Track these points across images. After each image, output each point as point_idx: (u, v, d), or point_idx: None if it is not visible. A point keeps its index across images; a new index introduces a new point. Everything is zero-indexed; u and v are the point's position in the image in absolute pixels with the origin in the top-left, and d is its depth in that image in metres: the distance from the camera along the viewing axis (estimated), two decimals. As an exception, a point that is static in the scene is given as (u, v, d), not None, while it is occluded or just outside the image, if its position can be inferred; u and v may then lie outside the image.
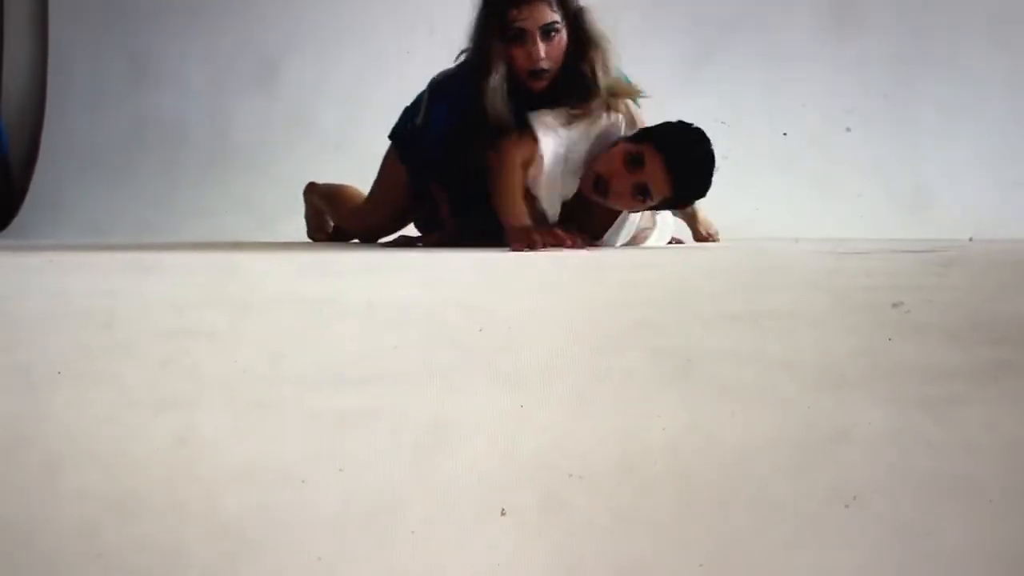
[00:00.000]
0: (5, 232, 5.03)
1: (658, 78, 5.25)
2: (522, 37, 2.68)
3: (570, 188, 2.81)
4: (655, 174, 2.67)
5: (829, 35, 5.35)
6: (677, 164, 2.72)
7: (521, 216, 2.66)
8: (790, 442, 0.52)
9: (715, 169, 2.89)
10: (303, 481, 0.46)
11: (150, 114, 5.34)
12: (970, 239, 3.71)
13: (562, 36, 2.75)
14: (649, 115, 4.87)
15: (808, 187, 5.12)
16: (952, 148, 5.19)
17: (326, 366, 0.74)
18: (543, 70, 2.67)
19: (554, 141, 2.76)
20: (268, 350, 0.83)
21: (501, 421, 0.57)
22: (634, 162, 2.66)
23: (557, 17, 2.74)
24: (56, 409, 0.59)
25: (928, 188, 5.08)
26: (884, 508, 0.43)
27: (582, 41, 2.83)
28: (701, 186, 2.88)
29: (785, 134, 5.05)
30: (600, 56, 2.90)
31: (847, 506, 0.42)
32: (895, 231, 4.49)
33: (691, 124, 2.96)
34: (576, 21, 2.83)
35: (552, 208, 2.82)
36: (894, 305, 1.11)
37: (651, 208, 2.81)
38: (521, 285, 1.36)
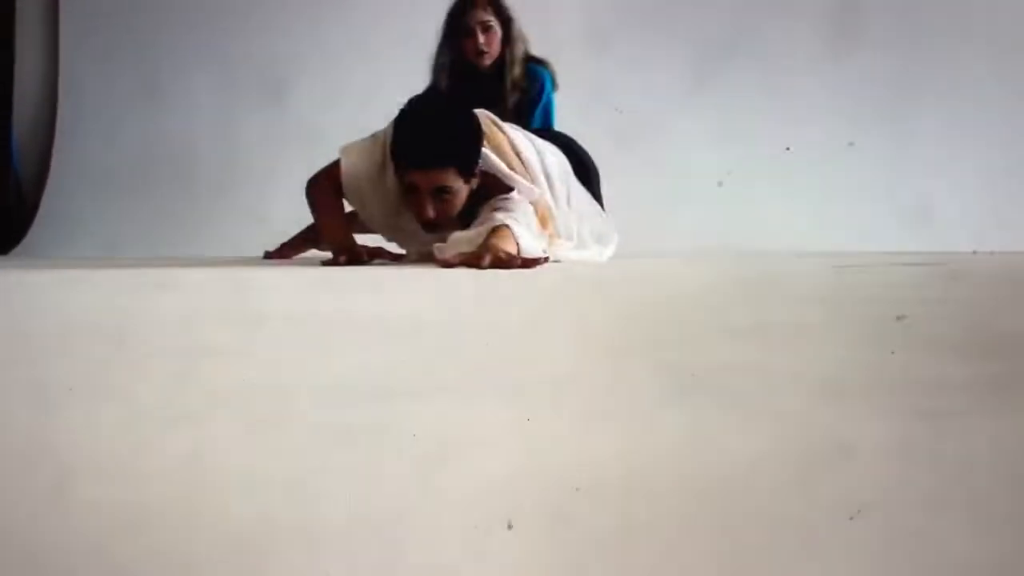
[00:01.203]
0: (17, 249, 5.04)
1: (661, 94, 5.27)
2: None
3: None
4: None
5: (831, 51, 5.36)
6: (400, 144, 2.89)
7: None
8: (794, 455, 0.52)
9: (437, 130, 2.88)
10: (312, 494, 0.47)
11: (160, 131, 5.35)
12: (973, 252, 3.71)
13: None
14: (654, 131, 4.89)
15: (811, 201, 5.13)
16: (954, 162, 5.20)
17: (335, 381, 0.74)
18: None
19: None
20: (278, 365, 0.83)
21: (508, 435, 0.57)
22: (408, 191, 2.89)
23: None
24: (68, 424, 0.60)
25: (930, 202, 5.09)
26: (888, 521, 0.43)
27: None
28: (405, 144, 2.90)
29: (788, 149, 5.05)
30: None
31: (851, 519, 0.42)
32: (898, 244, 4.49)
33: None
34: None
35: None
36: (897, 318, 1.12)
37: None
38: (528, 300, 1.37)
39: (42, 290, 1.88)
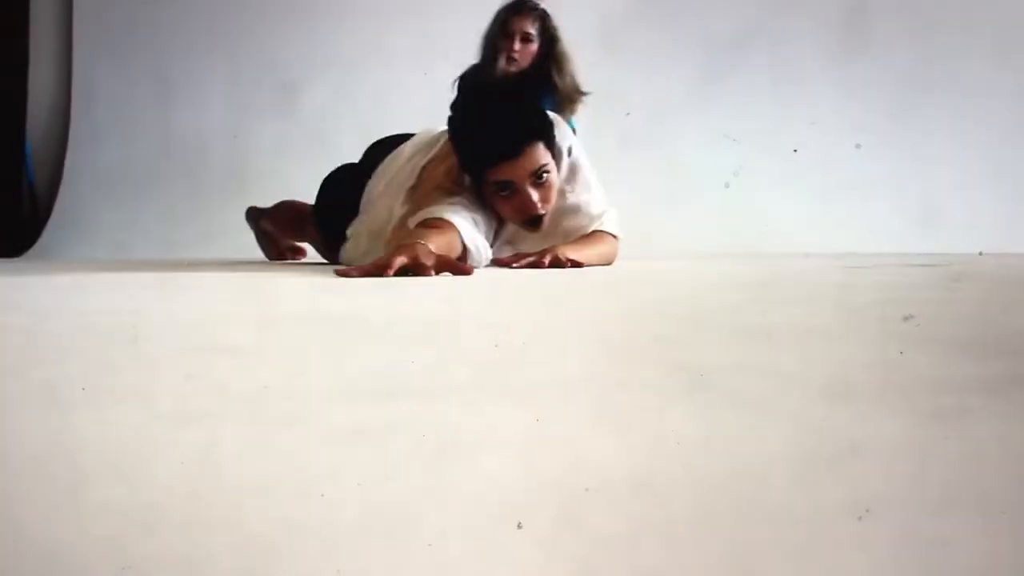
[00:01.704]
0: (31, 251, 5.06)
1: (669, 96, 5.28)
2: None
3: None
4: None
5: (839, 53, 5.36)
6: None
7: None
8: (803, 454, 0.53)
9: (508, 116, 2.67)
10: (323, 495, 0.47)
11: (173, 134, 5.37)
12: (980, 253, 3.70)
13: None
14: (660, 134, 4.90)
15: (818, 202, 5.12)
16: (961, 163, 5.20)
17: (346, 381, 0.75)
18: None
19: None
20: (290, 366, 0.83)
21: (517, 435, 0.58)
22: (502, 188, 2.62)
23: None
24: (81, 425, 0.60)
25: (937, 202, 5.08)
26: (897, 520, 0.43)
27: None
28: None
29: (795, 150, 5.05)
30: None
31: (860, 518, 0.42)
32: (905, 245, 4.49)
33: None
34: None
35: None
36: (905, 318, 1.12)
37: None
38: (536, 301, 1.37)
39: (55, 291, 1.88)
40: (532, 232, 2.72)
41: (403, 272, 2.09)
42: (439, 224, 2.46)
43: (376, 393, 0.69)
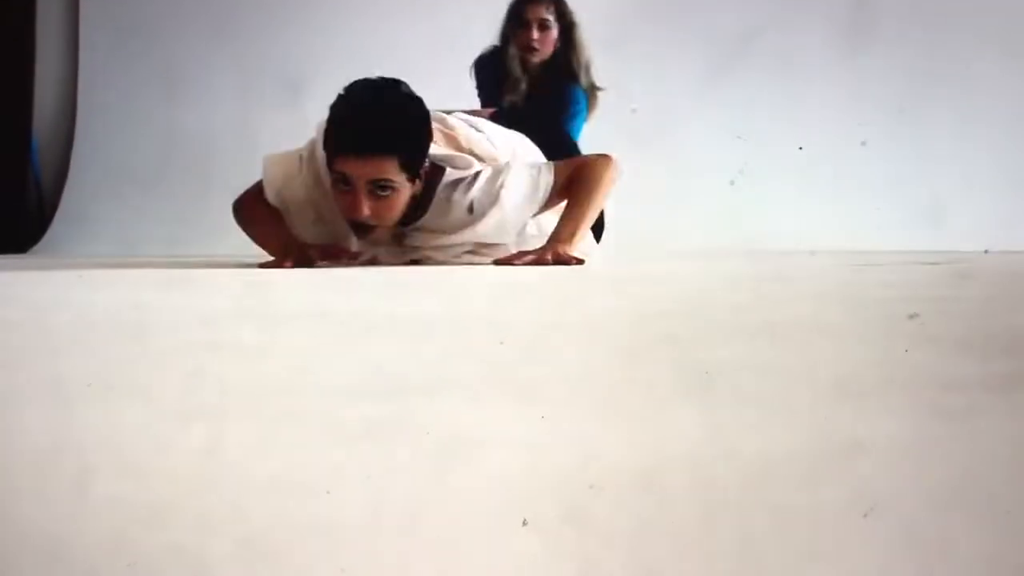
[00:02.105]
0: (37, 247, 5.07)
1: (675, 93, 5.27)
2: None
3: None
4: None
5: (844, 50, 5.35)
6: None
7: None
8: (808, 452, 0.53)
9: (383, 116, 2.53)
10: (328, 491, 0.47)
11: (179, 131, 5.37)
12: (985, 251, 3.70)
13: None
14: (667, 129, 4.88)
15: (824, 200, 5.12)
16: (967, 161, 5.19)
17: (351, 378, 0.75)
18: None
19: None
20: (295, 362, 0.83)
21: (522, 432, 0.58)
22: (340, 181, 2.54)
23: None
24: (86, 420, 0.60)
25: (943, 200, 5.08)
26: (901, 518, 0.43)
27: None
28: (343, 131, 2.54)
29: (801, 148, 5.05)
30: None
31: (865, 516, 0.42)
32: (910, 243, 4.48)
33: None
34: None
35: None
36: (910, 316, 1.12)
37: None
38: (542, 298, 1.37)
39: (61, 288, 1.89)
40: (360, 238, 2.67)
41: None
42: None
43: (381, 390, 0.70)
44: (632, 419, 0.61)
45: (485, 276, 2.08)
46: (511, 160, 2.78)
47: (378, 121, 2.48)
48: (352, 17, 5.43)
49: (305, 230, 2.75)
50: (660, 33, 5.34)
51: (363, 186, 2.48)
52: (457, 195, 2.66)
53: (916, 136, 5.27)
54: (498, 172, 2.68)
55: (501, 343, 0.96)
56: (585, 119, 3.85)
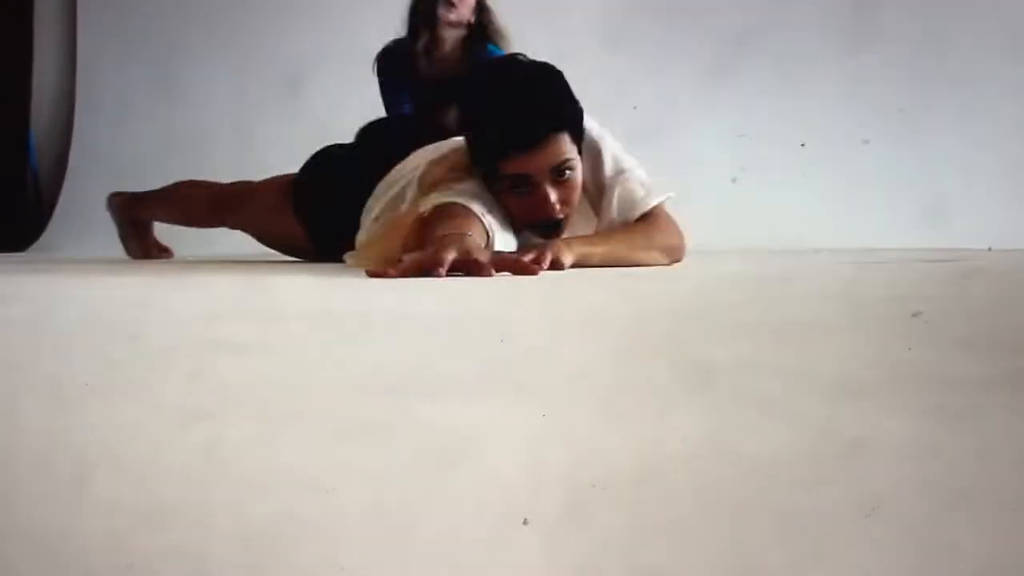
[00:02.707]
0: (35, 246, 5.07)
1: (676, 91, 5.27)
2: None
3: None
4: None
5: (846, 47, 5.34)
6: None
7: None
8: (810, 452, 0.53)
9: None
10: (328, 491, 0.47)
11: (177, 128, 5.38)
12: (988, 249, 3.70)
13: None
14: (668, 127, 4.87)
15: (826, 198, 5.11)
16: (970, 158, 5.18)
17: (351, 377, 0.75)
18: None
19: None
20: (295, 362, 0.83)
21: (523, 431, 0.58)
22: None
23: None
24: (85, 420, 0.60)
25: (946, 198, 5.07)
26: (904, 518, 0.43)
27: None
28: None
29: (803, 146, 5.05)
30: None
31: (867, 516, 0.42)
32: (913, 241, 4.48)
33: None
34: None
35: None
36: (913, 315, 1.11)
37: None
38: (542, 297, 1.37)
39: (59, 286, 1.89)
40: (548, 239, 2.25)
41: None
42: (457, 212, 2.08)
43: (382, 390, 0.69)
44: (633, 418, 0.61)
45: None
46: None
47: (534, 103, 2.20)
48: (349, 16, 5.43)
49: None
50: (661, 31, 5.34)
51: (545, 178, 2.20)
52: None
53: (919, 134, 5.27)
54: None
55: (501, 341, 0.96)
56: None
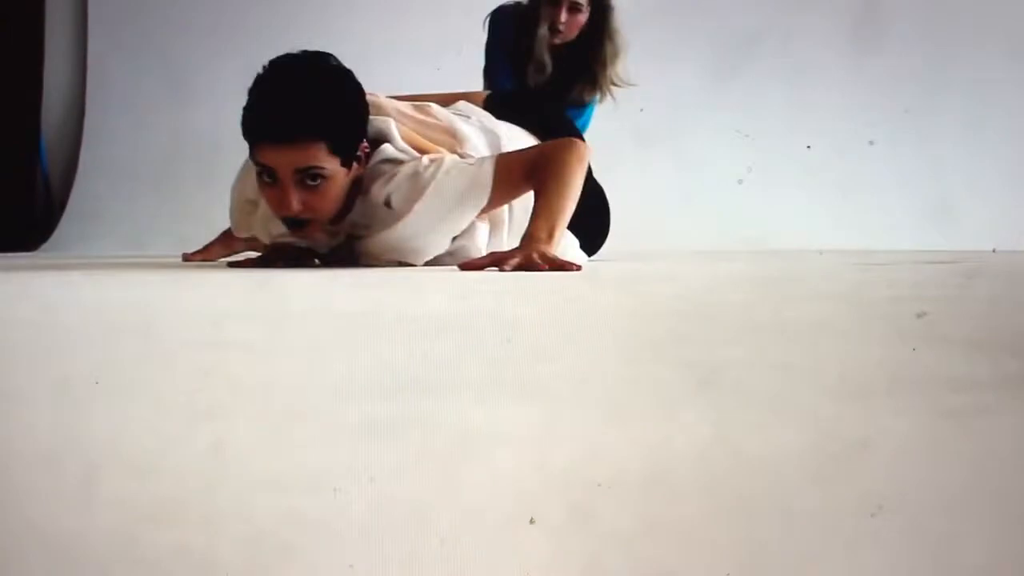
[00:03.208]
0: (45, 245, 5.07)
1: (682, 92, 5.27)
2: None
3: None
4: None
5: (852, 49, 5.34)
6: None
7: None
8: (815, 452, 0.53)
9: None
10: (335, 490, 0.47)
11: (186, 129, 5.37)
12: (993, 250, 3.69)
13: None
14: (673, 129, 4.85)
15: (832, 199, 5.11)
16: (975, 160, 5.18)
17: (358, 377, 0.75)
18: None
19: None
20: (302, 361, 0.83)
21: (530, 431, 0.58)
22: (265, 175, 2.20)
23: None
24: (94, 419, 0.60)
25: (951, 200, 5.07)
26: (909, 518, 0.43)
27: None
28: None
29: (809, 147, 5.04)
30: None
31: (872, 515, 0.42)
32: (918, 242, 4.47)
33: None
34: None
35: None
36: (918, 315, 1.11)
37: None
38: (549, 297, 1.37)
39: (69, 286, 1.89)
40: (296, 237, 2.32)
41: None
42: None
43: (388, 389, 0.69)
44: (639, 418, 0.61)
45: (491, 274, 2.07)
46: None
47: (298, 101, 2.12)
48: (357, 17, 5.43)
49: (264, 227, 2.44)
50: (668, 32, 5.33)
51: (290, 177, 2.13)
52: (376, 186, 2.31)
53: (924, 136, 5.26)
54: (432, 163, 2.33)
55: (508, 341, 0.96)
56: (593, 113, 3.65)
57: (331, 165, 2.14)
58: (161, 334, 1.03)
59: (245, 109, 2.19)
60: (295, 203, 2.14)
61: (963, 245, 4.47)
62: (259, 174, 2.18)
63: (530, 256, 2.13)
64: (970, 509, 0.44)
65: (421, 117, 2.54)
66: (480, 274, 2.01)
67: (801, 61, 5.31)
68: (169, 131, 5.41)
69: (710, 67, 5.34)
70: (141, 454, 0.53)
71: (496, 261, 2.17)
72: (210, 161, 5.33)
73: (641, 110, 5.08)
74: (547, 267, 2.12)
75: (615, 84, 3.61)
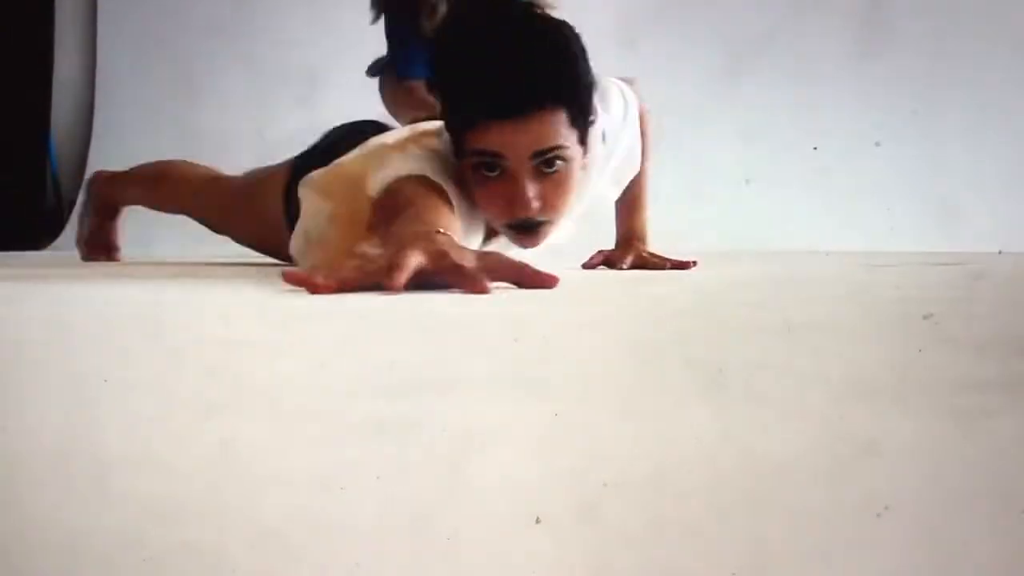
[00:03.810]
0: (55, 244, 5.09)
1: (688, 93, 5.26)
2: None
3: None
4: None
5: (858, 50, 5.34)
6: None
7: None
8: (821, 452, 0.53)
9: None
10: (342, 488, 0.47)
11: (195, 129, 5.38)
12: (999, 252, 3.69)
13: None
14: (681, 129, 4.87)
15: (838, 200, 5.11)
16: (981, 161, 5.18)
17: (366, 375, 0.75)
18: None
19: None
20: (310, 360, 0.84)
21: (536, 430, 0.58)
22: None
23: None
24: (103, 416, 0.61)
25: (957, 201, 5.07)
26: (915, 519, 0.43)
27: None
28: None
29: (815, 148, 5.04)
30: None
31: (878, 516, 0.43)
32: (925, 244, 4.47)
33: None
34: None
35: None
36: (925, 317, 1.11)
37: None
38: (556, 296, 1.37)
39: (78, 283, 1.89)
40: (523, 246, 1.77)
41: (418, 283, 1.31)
42: (419, 192, 1.57)
43: (396, 387, 0.70)
44: (646, 418, 0.61)
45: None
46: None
47: (532, 62, 1.65)
48: (368, 17, 5.43)
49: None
50: (675, 34, 5.34)
51: (521, 165, 1.65)
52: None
53: (931, 137, 5.26)
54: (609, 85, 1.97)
55: (515, 340, 0.96)
56: None
57: (571, 142, 1.69)
58: (170, 332, 1.03)
59: (460, 82, 1.70)
60: (533, 200, 1.67)
61: (970, 246, 4.46)
62: (475, 167, 1.68)
63: (643, 255, 2.03)
64: (977, 511, 0.44)
65: None
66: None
67: (807, 63, 5.31)
68: (178, 130, 5.41)
69: (717, 69, 5.34)
70: (150, 451, 0.53)
71: (608, 260, 2.06)
72: (218, 160, 5.33)
73: (647, 111, 5.09)
74: (668, 265, 2.03)
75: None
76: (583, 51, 1.73)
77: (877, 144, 5.12)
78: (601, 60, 3.79)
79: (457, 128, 1.69)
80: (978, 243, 4.50)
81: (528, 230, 1.72)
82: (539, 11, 1.76)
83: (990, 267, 2.67)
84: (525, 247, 1.76)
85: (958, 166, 5.21)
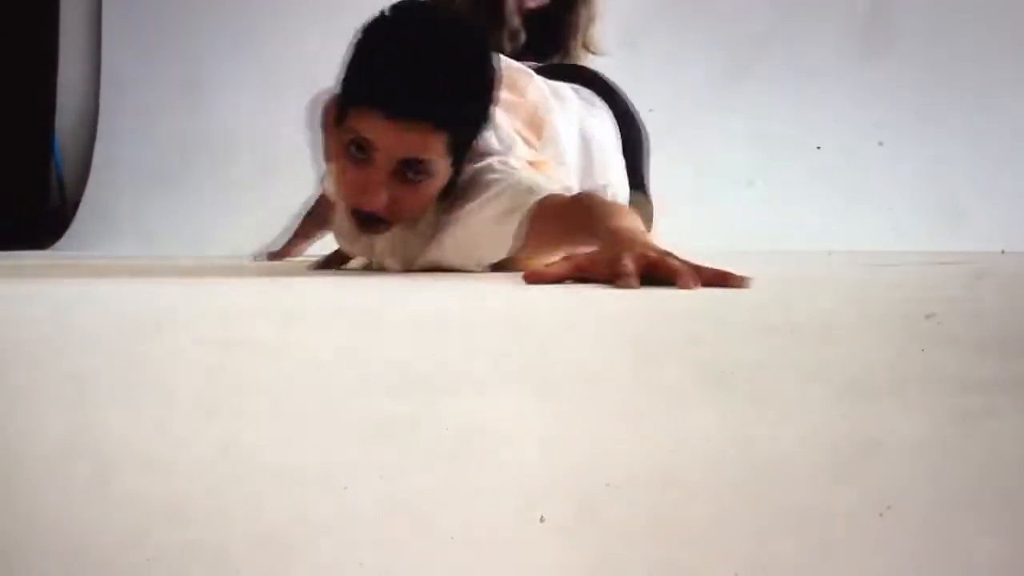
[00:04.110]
0: (59, 244, 5.09)
1: (691, 94, 5.26)
2: None
3: None
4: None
5: (861, 50, 5.34)
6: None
7: None
8: (824, 452, 0.53)
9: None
10: (344, 488, 0.47)
11: (200, 129, 5.39)
12: (1002, 251, 3.69)
13: None
14: (681, 132, 4.87)
15: (841, 200, 5.11)
16: (984, 161, 5.18)
17: (367, 375, 0.75)
18: None
19: None
20: (311, 360, 0.84)
21: (539, 429, 0.58)
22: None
23: None
24: (105, 417, 0.61)
25: (960, 201, 5.07)
26: (918, 518, 0.43)
27: None
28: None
29: (818, 148, 5.04)
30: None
31: (881, 515, 0.42)
32: (927, 243, 4.47)
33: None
34: None
35: None
36: (927, 316, 1.11)
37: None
38: (558, 296, 1.37)
39: (81, 284, 1.89)
40: (363, 233, 1.84)
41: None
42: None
43: (398, 387, 0.70)
44: (649, 417, 0.61)
45: (498, 273, 2.07)
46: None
47: (433, 73, 1.67)
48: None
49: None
50: (678, 34, 5.34)
51: (388, 163, 1.70)
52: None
53: (933, 137, 5.26)
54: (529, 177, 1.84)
55: (518, 340, 0.97)
56: None
57: (442, 163, 1.74)
58: (172, 332, 1.03)
59: (356, 59, 1.79)
60: (383, 197, 1.73)
61: (972, 246, 4.46)
62: (347, 144, 1.73)
63: (650, 256, 1.62)
64: (980, 510, 0.44)
65: (505, 95, 1.93)
66: (485, 274, 1.99)
67: (810, 63, 5.31)
68: (182, 131, 5.42)
69: (720, 69, 5.34)
70: (152, 452, 0.53)
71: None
72: (224, 161, 5.34)
73: (651, 111, 5.09)
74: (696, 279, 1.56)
75: (590, 52, 3.24)
76: (491, 86, 1.78)
77: (880, 144, 5.12)
78: (602, 60, 3.79)
79: (346, 98, 1.77)
80: (981, 243, 4.50)
81: (367, 223, 1.79)
82: (476, 41, 1.79)
83: (992, 267, 2.67)
84: (363, 233, 1.84)
85: (961, 166, 5.20)
